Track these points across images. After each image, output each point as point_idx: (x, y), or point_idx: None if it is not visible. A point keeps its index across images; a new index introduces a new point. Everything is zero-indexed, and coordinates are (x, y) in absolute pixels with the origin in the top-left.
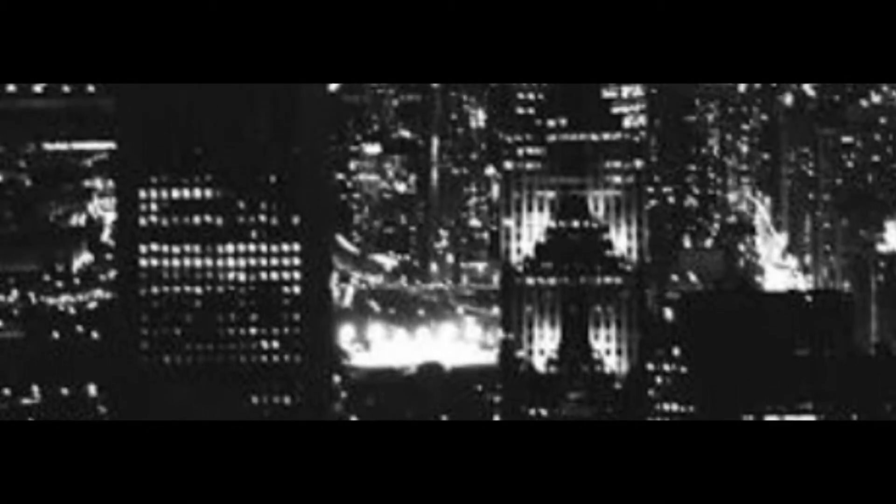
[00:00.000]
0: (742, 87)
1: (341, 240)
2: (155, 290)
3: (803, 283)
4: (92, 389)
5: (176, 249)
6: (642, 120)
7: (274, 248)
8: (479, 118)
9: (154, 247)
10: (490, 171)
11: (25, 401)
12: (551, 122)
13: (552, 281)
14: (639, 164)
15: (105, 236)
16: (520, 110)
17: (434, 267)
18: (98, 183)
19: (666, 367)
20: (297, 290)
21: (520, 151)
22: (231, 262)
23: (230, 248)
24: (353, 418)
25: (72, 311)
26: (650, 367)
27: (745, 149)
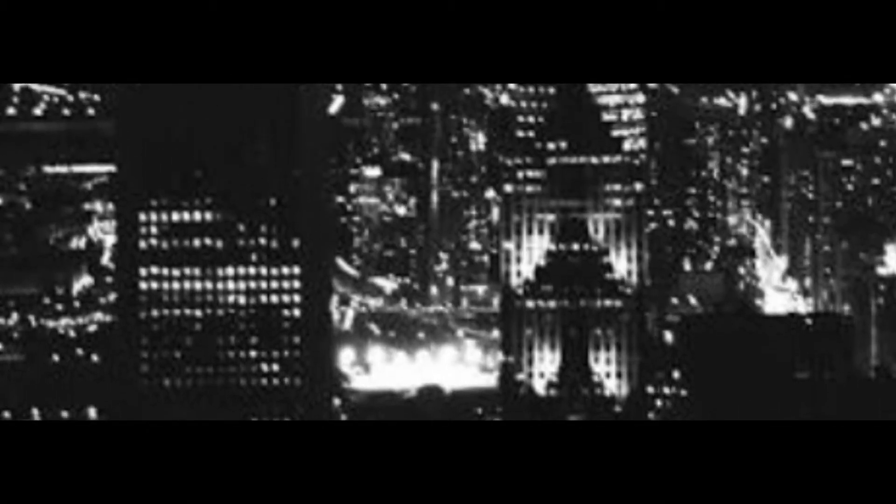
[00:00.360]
0: (742, 111)
1: (341, 263)
2: (155, 312)
3: (803, 306)
4: (92, 412)
5: (176, 272)
6: (642, 143)
7: (274, 271)
8: (479, 141)
9: (154, 270)
10: (490, 194)
11: None
12: (551, 146)
13: (552, 304)
14: (639, 186)
15: (105, 259)
16: (520, 133)
17: (434, 290)
18: (98, 206)
19: (666, 390)
20: (297, 312)
21: (520, 174)
22: (231, 285)
23: (230, 271)
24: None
25: (72, 333)
26: (650, 389)
27: (745, 172)
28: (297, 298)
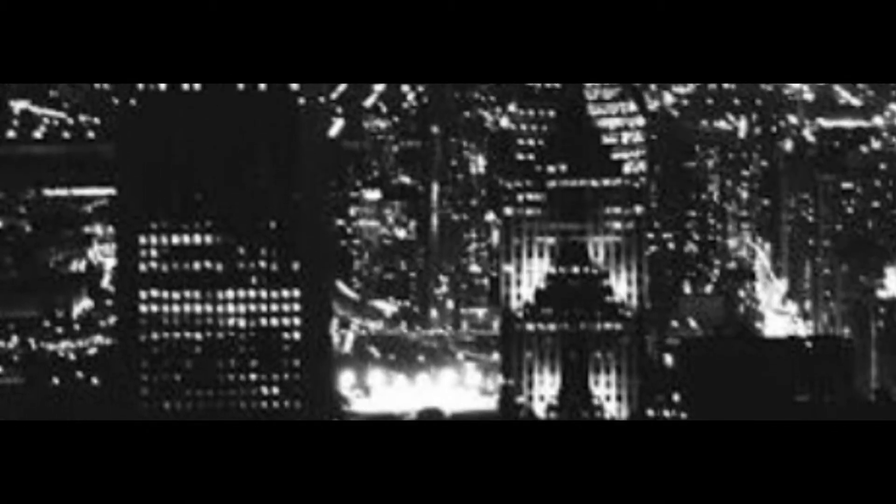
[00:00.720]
0: (742, 133)
1: (341, 286)
2: (155, 336)
3: (803, 329)
4: None
5: (176, 295)
6: (642, 166)
7: (274, 294)
8: (479, 164)
9: (154, 293)
10: (490, 216)
11: None
12: (551, 168)
13: (552, 327)
14: (639, 209)
15: (105, 282)
16: (520, 156)
17: (434, 313)
18: (98, 229)
19: (666, 414)
20: (297, 335)
21: (520, 197)
22: (231, 308)
23: (230, 293)
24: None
25: (72, 357)
26: (650, 413)
27: (745, 194)
28: (297, 321)
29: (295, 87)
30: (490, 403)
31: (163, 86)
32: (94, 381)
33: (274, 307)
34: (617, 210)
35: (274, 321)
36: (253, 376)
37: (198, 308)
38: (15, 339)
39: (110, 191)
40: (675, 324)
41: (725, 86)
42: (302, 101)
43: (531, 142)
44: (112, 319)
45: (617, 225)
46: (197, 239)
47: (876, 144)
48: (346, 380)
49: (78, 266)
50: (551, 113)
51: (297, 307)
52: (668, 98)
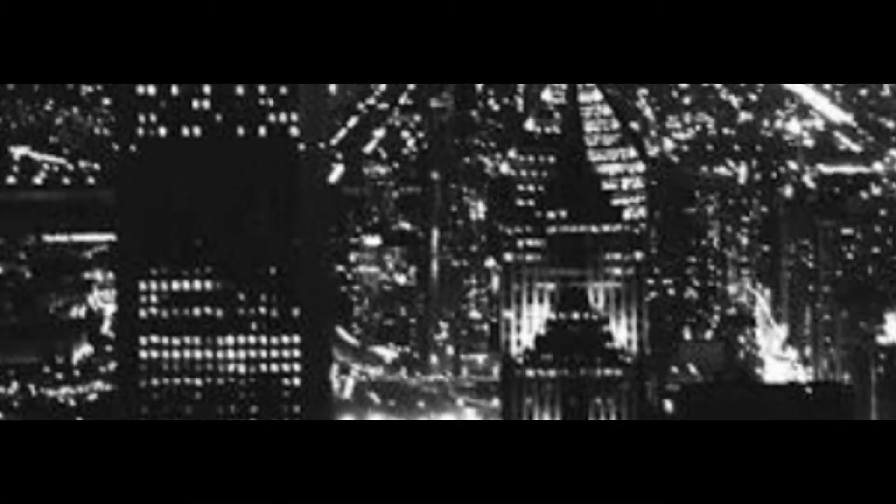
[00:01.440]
0: (742, 179)
1: (341, 332)
2: (155, 381)
3: (803, 375)
4: None
5: (176, 341)
6: (642, 212)
7: (274, 340)
8: (479, 210)
9: (154, 339)
10: (490, 262)
11: None
12: (551, 214)
13: (552, 373)
14: (639, 255)
15: (105, 328)
16: (520, 202)
17: (434, 359)
18: (98, 275)
19: None
20: (296, 381)
21: (520, 243)
22: (231, 354)
23: (230, 339)
24: None
25: (72, 402)
26: None
27: (745, 240)
28: (296, 367)
29: (295, 133)
30: None
31: (163, 131)
32: None
33: (274, 353)
34: (617, 256)
35: (274, 367)
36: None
37: (198, 354)
38: (15, 385)
39: (110, 237)
40: (675, 370)
41: (725, 132)
42: (302, 146)
43: (531, 188)
44: (112, 365)
45: (617, 271)
46: (197, 285)
47: (876, 190)
48: None
49: (78, 312)
50: (551, 159)
51: (296, 353)
52: (668, 144)
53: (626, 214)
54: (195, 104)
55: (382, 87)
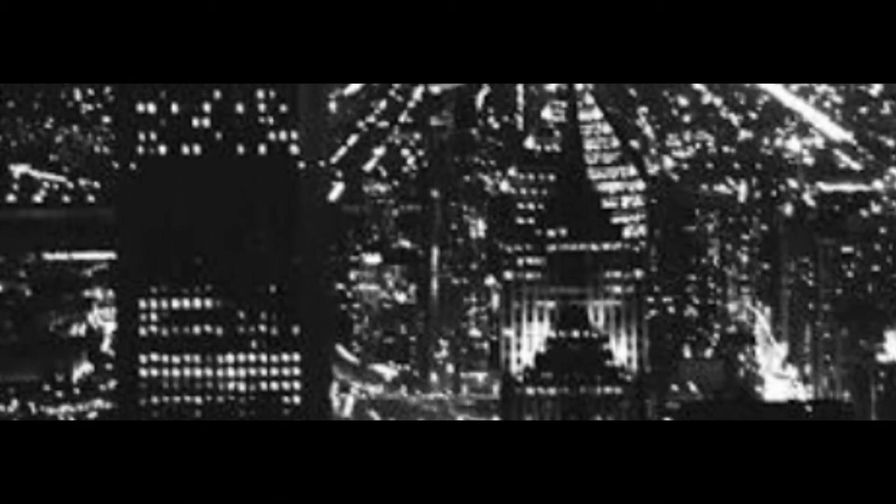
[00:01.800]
0: (742, 198)
1: (341, 350)
2: (155, 399)
3: (803, 393)
4: None
5: (176, 359)
6: (642, 230)
7: (274, 359)
8: (478, 228)
9: (154, 357)
10: (490, 281)
11: None
12: (551, 232)
13: (552, 391)
14: (639, 273)
15: (105, 346)
16: (520, 220)
17: (434, 377)
18: (98, 293)
19: None
20: (296, 399)
21: (520, 261)
22: (231, 372)
23: (230, 358)
24: None
25: (72, 420)
26: None
27: (745, 259)
28: (296, 385)
29: (295, 151)
30: None
31: (163, 149)
32: None
33: (274, 371)
34: (617, 274)
35: (274, 385)
36: None
37: (198, 372)
38: (15, 403)
39: (110, 255)
40: (674, 388)
41: (725, 150)
42: (302, 165)
43: (531, 206)
44: (112, 383)
45: (617, 289)
46: (197, 303)
47: (876, 209)
48: None
49: (78, 330)
50: (551, 177)
51: (296, 371)
52: (669, 162)
53: (627, 232)
54: (195, 122)
55: (382, 104)
